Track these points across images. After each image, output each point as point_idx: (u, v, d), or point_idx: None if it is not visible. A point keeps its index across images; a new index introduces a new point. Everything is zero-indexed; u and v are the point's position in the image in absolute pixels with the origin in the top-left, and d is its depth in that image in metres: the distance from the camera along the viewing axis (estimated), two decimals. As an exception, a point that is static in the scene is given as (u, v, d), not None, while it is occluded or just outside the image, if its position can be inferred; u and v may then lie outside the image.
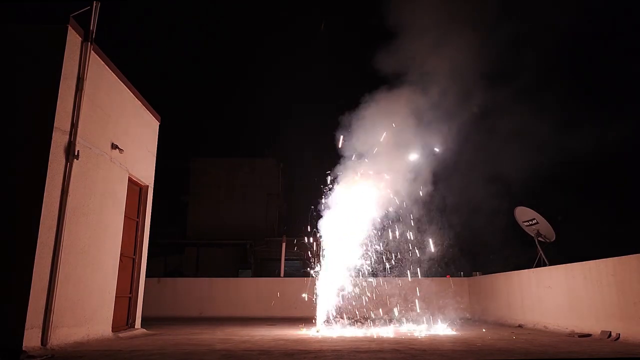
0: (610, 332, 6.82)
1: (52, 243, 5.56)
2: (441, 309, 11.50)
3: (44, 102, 5.69)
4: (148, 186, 8.63)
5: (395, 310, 11.22)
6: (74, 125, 6.00)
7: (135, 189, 8.29)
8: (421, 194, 9.44)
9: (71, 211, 5.91)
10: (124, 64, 7.39)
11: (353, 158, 9.21)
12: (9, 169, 5.54)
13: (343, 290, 9.30)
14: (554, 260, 9.96)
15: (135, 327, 8.07)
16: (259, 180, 22.50)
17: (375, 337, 7.18)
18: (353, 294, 10.44)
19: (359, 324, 9.33)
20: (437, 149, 9.47)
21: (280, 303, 12.83)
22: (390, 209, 9.35)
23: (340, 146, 9.30)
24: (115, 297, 7.26)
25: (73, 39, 6.07)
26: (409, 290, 12.23)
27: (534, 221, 10.79)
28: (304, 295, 11.36)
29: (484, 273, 12.57)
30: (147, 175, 8.56)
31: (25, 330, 5.09)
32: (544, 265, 10.24)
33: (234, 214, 21.73)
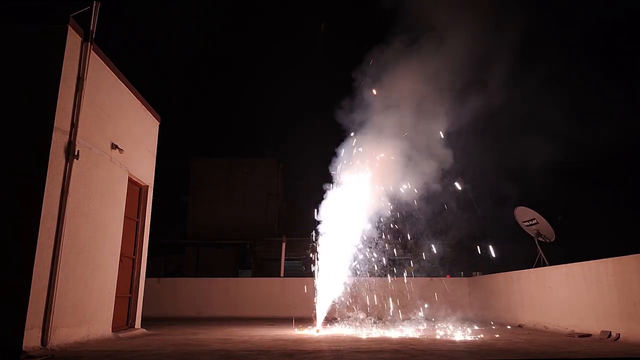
0: (610, 332, 6.82)
1: (52, 243, 5.56)
2: (441, 309, 11.49)
3: (44, 102, 5.69)
4: (148, 186, 8.63)
5: (395, 311, 11.22)
6: (74, 125, 6.00)
7: (135, 189, 8.29)
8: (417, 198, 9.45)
9: (71, 211, 5.91)
10: (124, 64, 7.40)
11: (355, 150, 9.20)
12: (9, 169, 5.54)
13: (343, 290, 9.31)
14: (554, 260, 9.97)
15: (135, 327, 8.07)
16: (259, 180, 22.48)
17: (375, 337, 7.18)
18: (353, 294, 10.45)
19: (358, 324, 9.33)
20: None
21: (280, 303, 12.83)
22: (389, 210, 9.36)
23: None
24: (115, 297, 7.26)
25: (73, 39, 6.07)
26: (409, 290, 12.23)
27: (534, 221, 10.79)
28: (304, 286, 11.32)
29: (484, 273, 12.58)
30: (147, 175, 8.56)
31: (25, 331, 5.09)
32: (544, 265, 10.24)
33: (234, 214, 21.71)
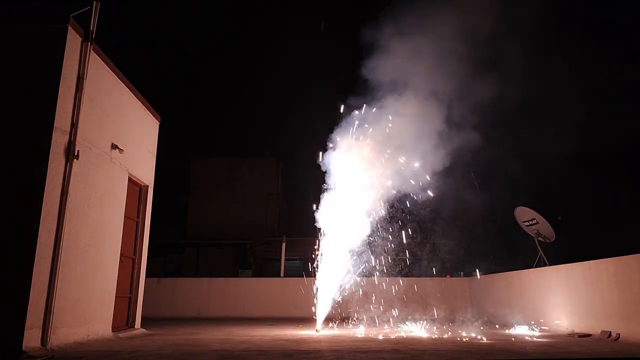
0: (610, 332, 6.82)
1: (52, 243, 5.56)
2: (441, 309, 11.49)
3: (44, 102, 5.69)
4: (148, 186, 8.63)
5: (394, 310, 11.22)
6: (74, 125, 6.00)
7: (135, 189, 8.29)
8: (416, 198, 9.43)
9: (71, 211, 5.91)
10: (124, 64, 7.40)
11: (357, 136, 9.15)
12: (9, 169, 5.54)
13: (342, 290, 9.30)
14: (554, 260, 9.97)
15: (135, 327, 8.07)
16: (259, 180, 22.49)
17: (375, 337, 7.18)
18: (352, 294, 10.45)
19: (358, 323, 9.33)
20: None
21: (280, 303, 12.83)
22: (387, 209, 9.34)
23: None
24: (115, 297, 7.26)
25: (73, 39, 6.07)
26: (408, 290, 12.23)
27: (534, 221, 10.79)
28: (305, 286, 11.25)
29: (485, 273, 12.58)
30: (147, 175, 8.56)
31: (25, 331, 5.09)
32: (544, 265, 10.24)
33: (233, 213, 21.71)
